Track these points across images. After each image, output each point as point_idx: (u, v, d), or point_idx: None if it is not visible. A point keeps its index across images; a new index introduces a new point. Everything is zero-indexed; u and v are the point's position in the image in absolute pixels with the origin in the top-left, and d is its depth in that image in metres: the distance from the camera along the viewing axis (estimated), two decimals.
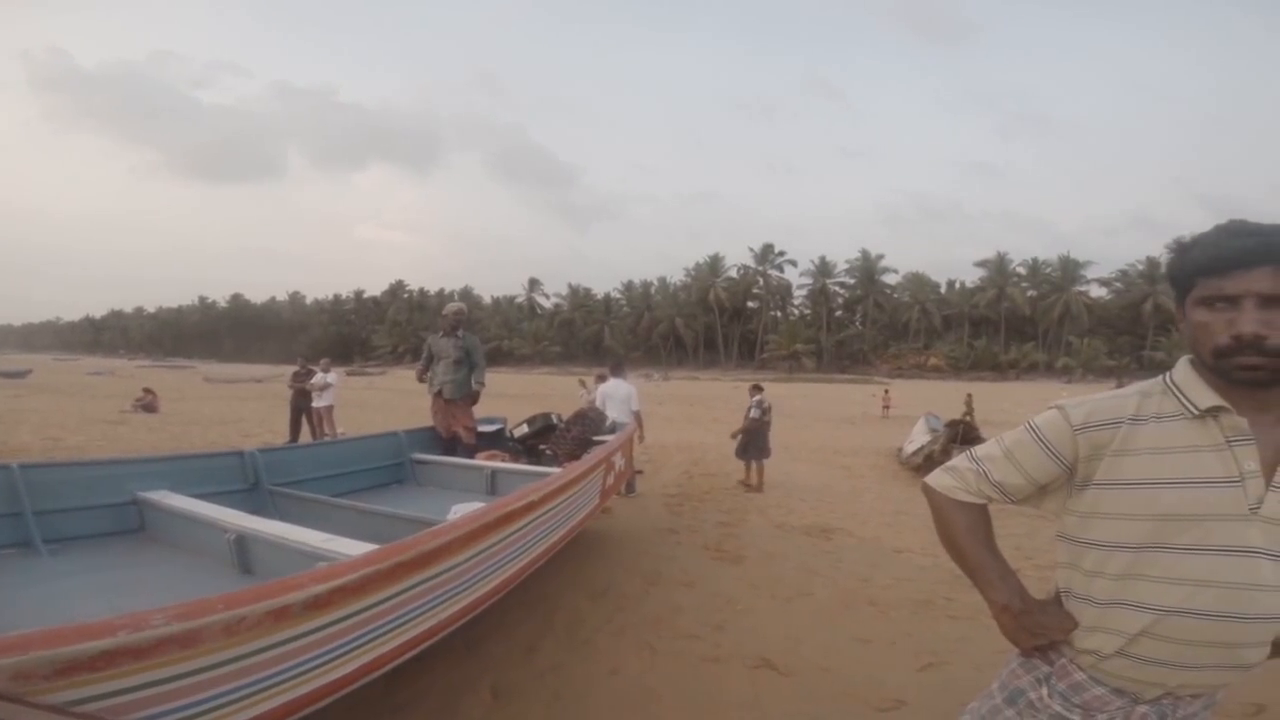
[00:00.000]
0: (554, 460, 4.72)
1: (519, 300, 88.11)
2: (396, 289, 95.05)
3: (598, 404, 6.25)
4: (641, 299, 78.46)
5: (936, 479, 1.23)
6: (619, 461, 4.37)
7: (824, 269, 71.83)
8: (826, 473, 8.75)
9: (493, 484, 4.13)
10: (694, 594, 3.72)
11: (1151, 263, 59.09)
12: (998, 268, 63.59)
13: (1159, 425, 1.01)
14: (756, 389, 7.86)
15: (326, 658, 1.64)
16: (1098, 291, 62.72)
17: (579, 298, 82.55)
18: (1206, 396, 0.97)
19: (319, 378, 9.95)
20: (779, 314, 75.64)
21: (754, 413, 7.41)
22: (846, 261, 71.91)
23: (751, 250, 74.25)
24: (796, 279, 74.68)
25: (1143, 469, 1.01)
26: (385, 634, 1.84)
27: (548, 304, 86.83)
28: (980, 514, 1.20)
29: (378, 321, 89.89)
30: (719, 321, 73.20)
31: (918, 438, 9.50)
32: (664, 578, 3.97)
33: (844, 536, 5.17)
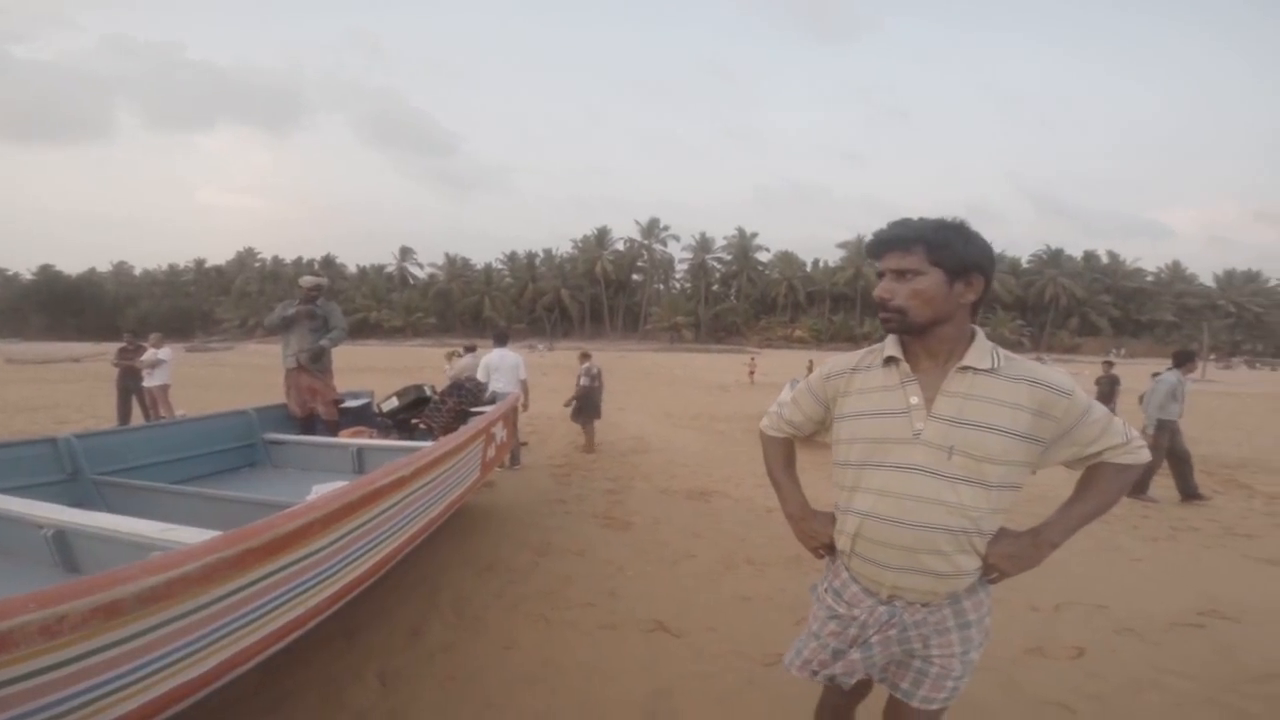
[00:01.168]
0: (429, 435, 4.50)
1: (389, 270, 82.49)
2: (246, 257, 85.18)
3: (480, 376, 6.05)
4: (526, 270, 76.48)
5: (762, 422, 1.62)
6: (500, 433, 4.25)
7: (704, 245, 73.96)
8: (705, 438, 9.09)
9: (359, 462, 3.87)
10: (585, 563, 3.73)
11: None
12: (856, 249, 68.64)
13: (868, 372, 1.34)
14: (585, 357, 8.12)
15: (177, 656, 1.47)
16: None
17: (457, 268, 78.79)
18: (891, 349, 1.30)
19: (149, 354, 8.72)
20: (662, 287, 77.18)
21: (584, 380, 7.64)
22: (725, 238, 74.28)
23: (638, 224, 74.78)
24: (679, 254, 76.47)
25: (857, 405, 1.33)
26: (244, 627, 1.67)
27: (422, 274, 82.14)
28: (783, 445, 1.58)
29: (222, 293, 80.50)
30: (605, 293, 73.36)
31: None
32: (554, 548, 3.96)
33: (721, 499, 5.41)
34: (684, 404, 13.76)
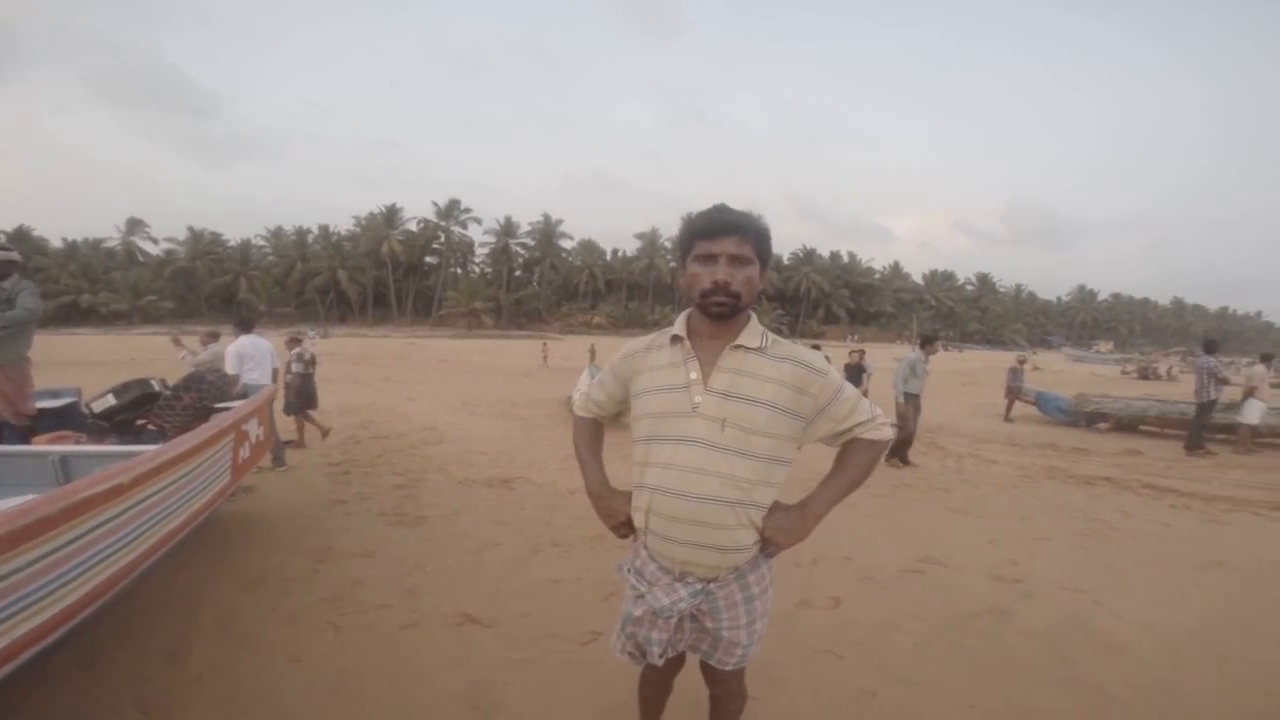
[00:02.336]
0: (161, 436, 3.74)
1: (111, 245, 66.60)
2: None
3: (230, 368, 5.16)
4: (295, 248, 67.11)
5: (574, 402, 1.66)
6: (255, 430, 3.66)
7: (508, 229, 71.95)
8: (505, 424, 8.89)
9: (65, 472, 3.08)
10: (375, 564, 3.42)
11: None
12: (650, 241, 72.57)
13: (659, 351, 1.39)
14: (294, 342, 7.41)
15: None
16: None
17: (203, 243, 66.28)
18: (679, 328, 1.35)
19: None
20: (460, 271, 73.62)
21: (295, 366, 7.00)
22: (529, 224, 73.14)
23: (436, 205, 69.99)
24: (480, 237, 73.50)
25: (647, 382, 1.37)
26: None
27: (155, 249, 67.87)
28: (591, 425, 1.60)
29: None
30: (392, 276, 67.74)
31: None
32: (335, 552, 3.54)
33: (524, 484, 5.31)
34: (483, 391, 13.31)
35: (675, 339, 1.35)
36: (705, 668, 1.51)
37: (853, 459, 1.38)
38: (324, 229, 70.13)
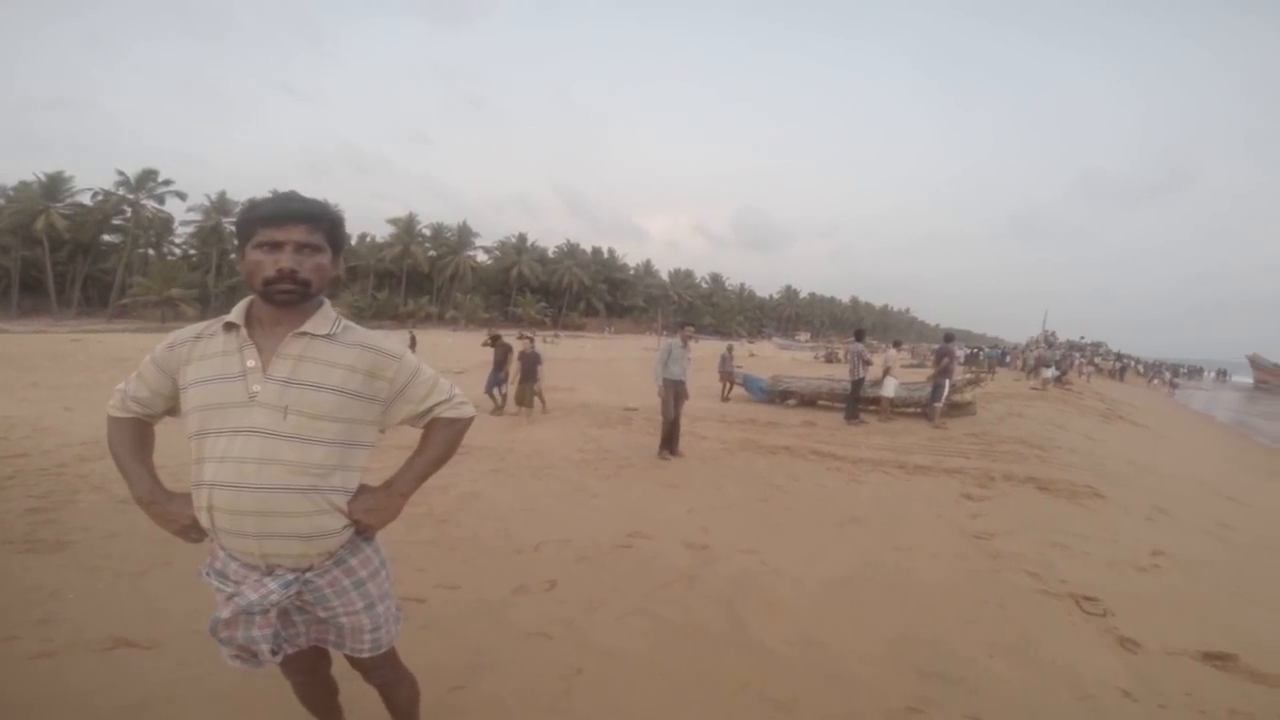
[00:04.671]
0: None
1: None
2: None
3: None
4: None
5: (109, 402, 1.43)
6: None
7: (221, 206, 59.87)
8: None
9: None
10: None
11: (521, 237, 74.71)
12: (407, 227, 67.56)
13: (210, 340, 1.33)
14: None
15: None
16: (482, 257, 74.88)
17: None
18: (235, 315, 1.30)
19: None
20: (152, 252, 59.87)
21: None
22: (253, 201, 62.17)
23: (122, 174, 55.17)
24: (184, 215, 60.35)
25: (198, 372, 1.30)
26: None
27: None
28: (130, 426, 1.42)
29: None
30: (51, 258, 52.33)
31: None
32: None
33: None
34: None
35: (230, 326, 1.30)
36: (350, 659, 1.51)
37: (435, 437, 1.45)
38: None
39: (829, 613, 3.10)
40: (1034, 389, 18.79)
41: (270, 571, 1.30)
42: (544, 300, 72.46)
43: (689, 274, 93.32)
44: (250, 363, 1.27)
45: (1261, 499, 7.87)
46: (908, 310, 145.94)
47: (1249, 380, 46.35)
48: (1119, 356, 42.03)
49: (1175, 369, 46.45)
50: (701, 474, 5.95)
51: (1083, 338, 44.84)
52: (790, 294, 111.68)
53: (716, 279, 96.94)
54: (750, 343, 62.00)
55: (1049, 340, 37.90)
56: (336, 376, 1.29)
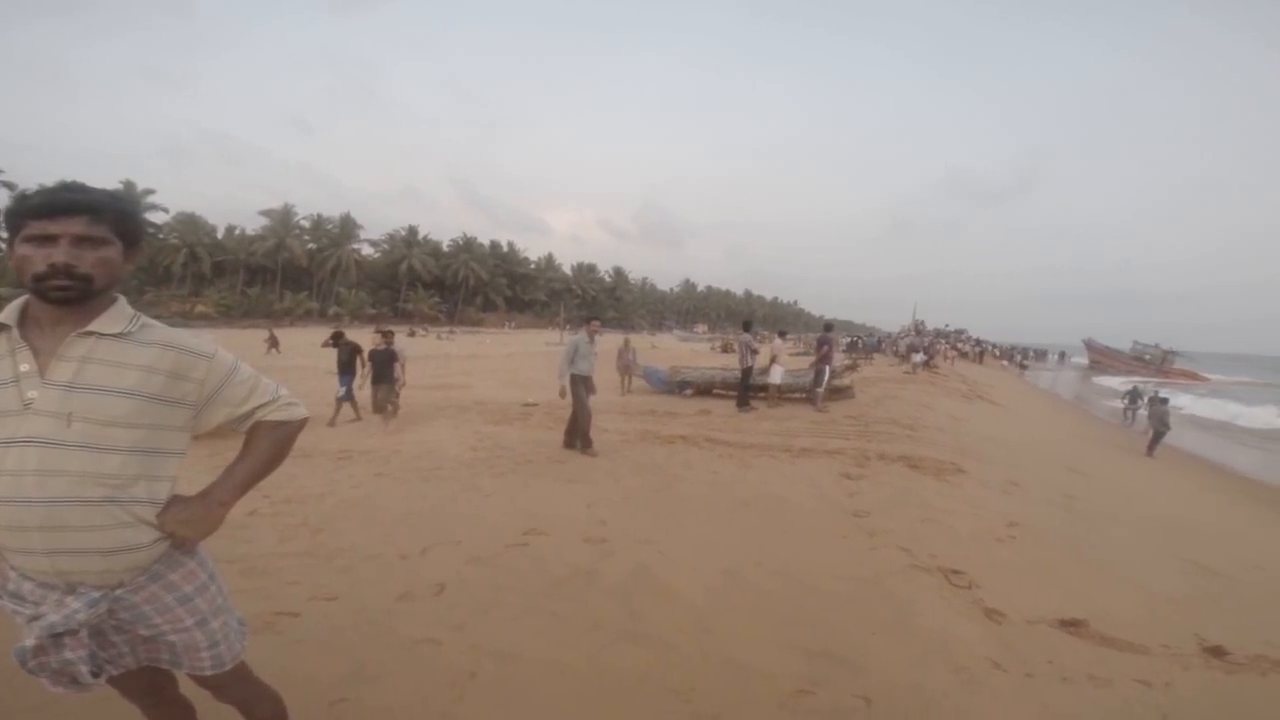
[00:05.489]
0: None
1: None
2: None
3: None
4: None
5: None
6: None
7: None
8: None
9: None
10: None
11: (411, 230, 71.05)
12: (282, 219, 62.38)
13: None
14: None
15: None
16: (368, 250, 70.56)
17: None
18: (6, 316, 1.19)
19: None
20: None
21: None
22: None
23: None
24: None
25: None
26: None
27: None
28: None
29: None
30: None
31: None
32: None
33: None
34: None
35: (4, 327, 1.18)
36: (195, 679, 1.44)
37: (259, 442, 1.37)
38: None
39: (722, 600, 3.17)
40: (905, 373, 20.49)
41: (72, 590, 1.21)
42: (438, 295, 69.63)
43: (592, 268, 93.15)
44: (24, 367, 1.15)
45: (1099, 470, 9.00)
46: (795, 302, 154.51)
47: (1085, 361, 52.83)
48: (978, 342, 46.54)
49: (1025, 352, 52.05)
50: (601, 467, 5.93)
51: (947, 325, 49.20)
52: (689, 288, 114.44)
53: (620, 273, 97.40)
54: (652, 335, 62.93)
55: (918, 328, 41.33)
56: (131, 379, 1.19)
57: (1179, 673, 2.79)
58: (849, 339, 38.16)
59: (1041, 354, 58.91)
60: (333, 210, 70.14)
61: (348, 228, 66.58)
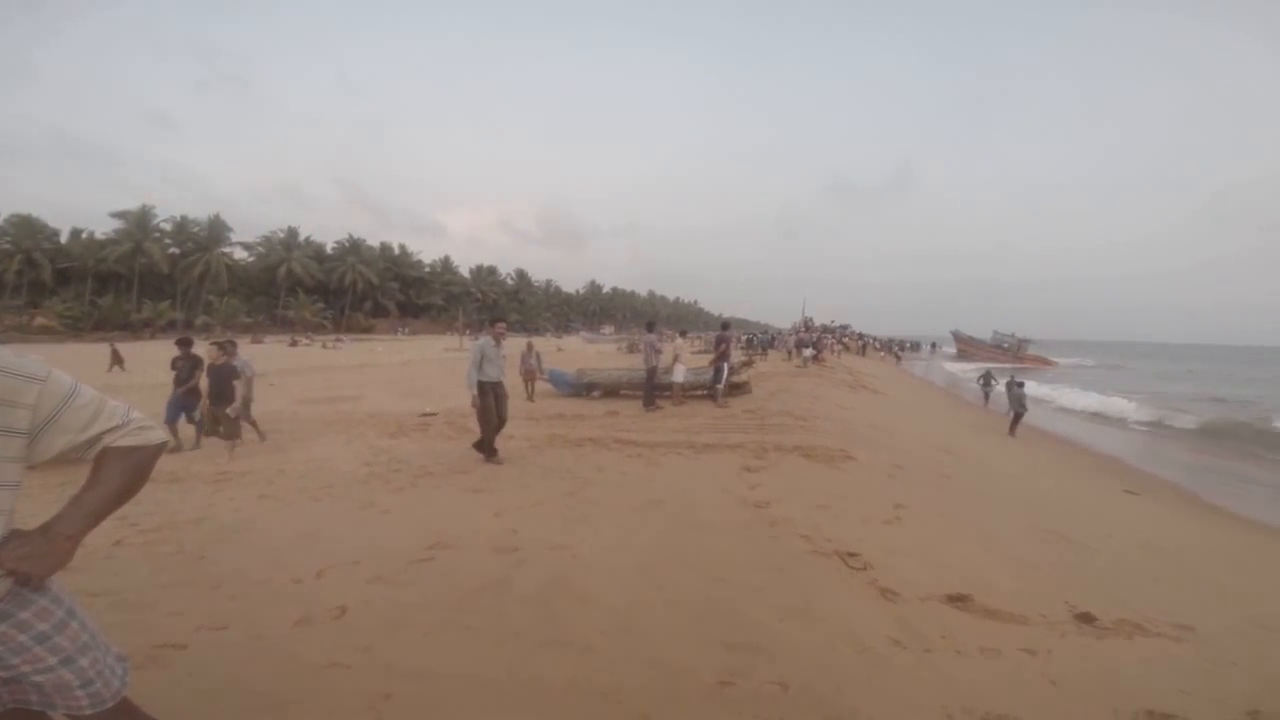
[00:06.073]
0: None
1: None
2: None
3: None
4: None
5: None
6: None
7: None
8: None
9: None
10: None
11: (291, 231, 65.93)
12: (138, 221, 55.78)
13: None
14: None
15: None
16: (241, 254, 64.86)
17: None
18: None
19: None
20: None
21: None
22: None
23: None
24: None
25: None
26: None
27: None
28: None
29: None
30: None
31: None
32: None
33: None
34: None
35: None
36: None
37: (109, 469, 1.27)
38: None
39: (640, 598, 3.20)
40: (797, 367, 21.68)
41: None
42: (322, 301, 65.21)
43: (493, 270, 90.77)
44: None
45: (970, 450, 9.92)
46: (696, 302, 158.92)
47: (954, 350, 58.12)
48: (861, 336, 50.04)
49: (901, 344, 56.47)
50: (508, 474, 5.81)
51: (833, 321, 52.57)
52: (595, 289, 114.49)
53: (523, 275, 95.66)
54: (558, 338, 62.31)
55: (807, 325, 43.75)
56: None
57: (1057, 640, 3.05)
58: (746, 336, 39.72)
59: (916, 345, 64.09)
60: (201, 212, 63.57)
61: (217, 230, 60.85)
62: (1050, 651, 2.91)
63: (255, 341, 41.23)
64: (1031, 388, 15.93)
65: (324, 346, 38.23)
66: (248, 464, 6.38)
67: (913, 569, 3.78)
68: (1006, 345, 52.10)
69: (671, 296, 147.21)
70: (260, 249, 66.01)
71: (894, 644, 2.84)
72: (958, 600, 3.36)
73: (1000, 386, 15.97)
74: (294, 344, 38.79)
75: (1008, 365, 39.82)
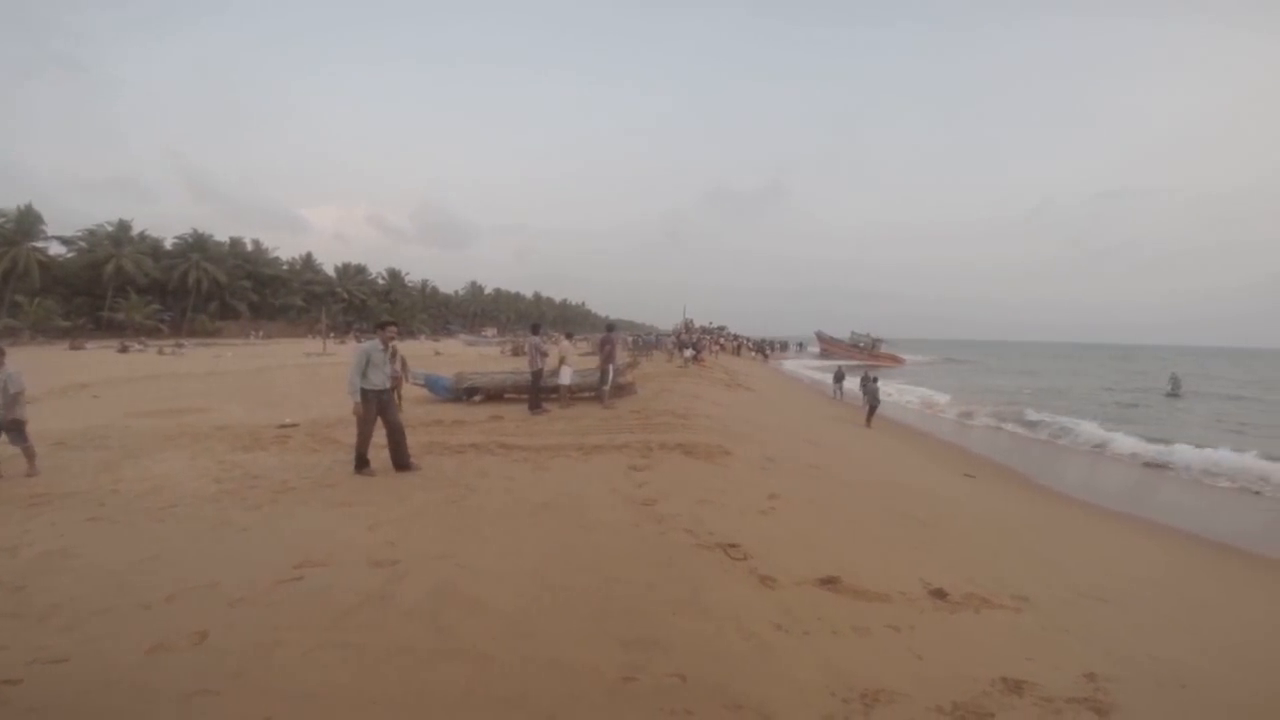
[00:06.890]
0: None
1: None
2: None
3: None
4: None
5: None
6: None
7: None
8: None
9: None
10: None
11: (122, 225, 57.53)
12: None
13: None
14: None
15: None
16: (58, 249, 55.80)
17: None
18: None
19: None
20: None
21: None
22: None
23: None
24: None
25: None
26: None
27: None
28: None
29: None
30: None
31: None
32: None
33: None
34: None
35: None
36: None
37: None
38: None
39: (535, 603, 3.17)
40: (678, 367, 22.38)
41: None
42: (158, 302, 57.73)
43: (361, 269, 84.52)
44: None
45: (833, 441, 10.76)
46: (583, 303, 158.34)
47: (817, 349, 62.72)
48: (735, 337, 52.52)
49: (771, 344, 59.99)
50: (381, 485, 5.52)
51: (711, 322, 54.65)
52: (476, 290, 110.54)
53: (395, 274, 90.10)
54: (435, 341, 59.52)
55: (688, 326, 45.22)
56: None
57: (917, 616, 3.33)
58: (632, 338, 40.36)
59: (784, 345, 68.33)
60: (9, 201, 53.51)
61: (28, 222, 51.96)
62: (913, 627, 3.17)
63: (75, 347, 35.66)
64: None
65: (160, 352, 33.85)
66: (69, 485, 5.55)
67: (787, 556, 4.01)
68: (862, 344, 57.13)
69: (559, 298, 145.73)
70: (83, 244, 57.25)
71: (776, 629, 3.01)
72: (829, 583, 3.60)
73: (855, 382, 17.53)
74: (124, 350, 34.00)
75: (863, 362, 43.64)
